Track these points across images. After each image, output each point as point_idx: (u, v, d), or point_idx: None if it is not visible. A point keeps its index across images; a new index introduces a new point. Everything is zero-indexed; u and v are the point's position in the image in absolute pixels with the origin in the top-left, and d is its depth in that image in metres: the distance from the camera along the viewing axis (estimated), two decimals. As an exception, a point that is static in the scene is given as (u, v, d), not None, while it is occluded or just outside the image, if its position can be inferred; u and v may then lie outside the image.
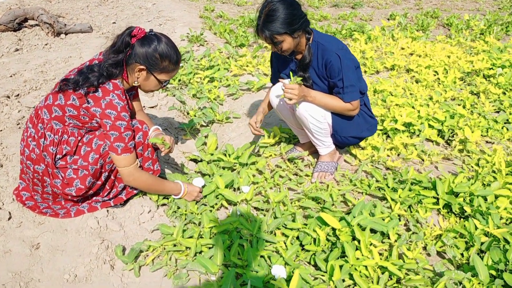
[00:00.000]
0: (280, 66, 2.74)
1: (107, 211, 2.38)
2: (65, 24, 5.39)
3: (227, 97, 3.98)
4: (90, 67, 2.21)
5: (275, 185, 2.74)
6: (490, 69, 4.58)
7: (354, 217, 2.18)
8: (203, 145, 3.21)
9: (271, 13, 2.30)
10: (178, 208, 2.45)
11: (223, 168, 2.90)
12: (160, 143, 2.35)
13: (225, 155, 3.06)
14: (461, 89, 4.28)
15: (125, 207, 2.44)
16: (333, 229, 2.18)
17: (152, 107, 3.66)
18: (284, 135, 3.15)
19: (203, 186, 2.57)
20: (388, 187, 2.53)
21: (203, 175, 2.84)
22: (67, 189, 2.27)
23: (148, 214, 2.39)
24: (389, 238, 2.15)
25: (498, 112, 3.79)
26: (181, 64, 2.34)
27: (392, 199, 2.44)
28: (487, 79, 4.47)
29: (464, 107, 3.80)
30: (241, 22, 6.16)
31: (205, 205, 2.52)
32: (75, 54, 4.68)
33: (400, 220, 2.34)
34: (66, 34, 5.34)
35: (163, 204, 2.49)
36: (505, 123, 3.53)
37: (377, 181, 2.66)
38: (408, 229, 2.31)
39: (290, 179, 2.79)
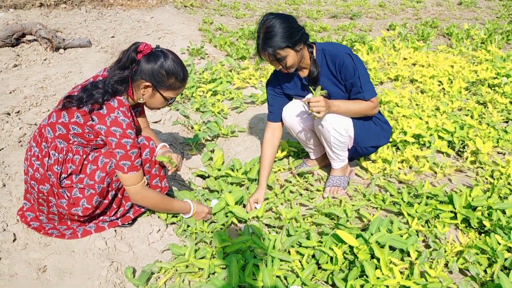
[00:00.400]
0: (287, 88, 2.68)
1: (115, 231, 2.30)
2: (64, 39, 5.33)
3: (231, 110, 3.92)
4: (94, 84, 2.15)
5: (285, 201, 2.67)
6: (494, 78, 4.55)
7: (371, 234, 2.11)
8: (209, 160, 3.14)
9: (269, 29, 2.28)
10: (188, 226, 2.38)
11: (231, 183, 2.83)
12: (167, 162, 2.28)
13: (233, 170, 3.00)
14: (467, 99, 4.24)
15: (133, 227, 2.36)
16: (350, 247, 2.10)
17: (156, 122, 3.59)
18: (293, 149, 3.08)
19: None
20: (404, 202, 2.46)
21: (211, 191, 2.76)
22: (74, 209, 2.19)
23: (158, 233, 2.31)
24: (409, 255, 2.08)
25: (506, 122, 3.74)
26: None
27: (409, 214, 2.37)
28: (492, 88, 4.43)
29: (472, 117, 3.75)
30: (240, 35, 6.12)
31: (215, 222, 2.45)
32: (75, 69, 4.62)
33: (418, 236, 2.27)
34: (65, 49, 5.29)
35: (172, 223, 2.41)
36: (514, 133, 3.48)
37: (391, 195, 2.59)
38: (427, 246, 2.24)
39: (301, 194, 2.72)
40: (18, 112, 3.59)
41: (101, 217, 2.32)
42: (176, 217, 2.42)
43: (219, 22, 7.04)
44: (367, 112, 2.51)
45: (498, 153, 3.25)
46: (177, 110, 3.80)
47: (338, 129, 2.51)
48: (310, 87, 2.43)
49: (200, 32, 6.33)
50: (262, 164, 2.67)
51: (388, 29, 6.99)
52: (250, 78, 4.43)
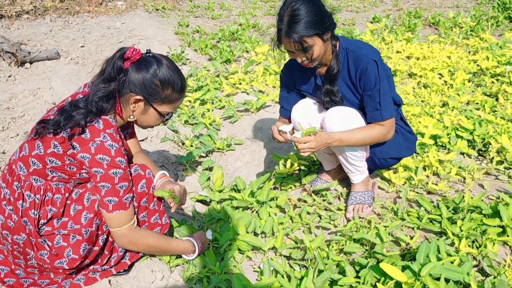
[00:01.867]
0: (300, 83, 2.33)
1: (109, 281, 1.91)
2: (29, 52, 4.85)
3: (223, 120, 3.54)
4: (73, 104, 1.75)
5: (303, 225, 2.31)
6: (496, 67, 4.29)
7: (421, 265, 1.77)
8: (207, 180, 2.76)
9: (296, 12, 1.93)
10: (196, 267, 2.00)
11: (236, 208, 2.46)
12: (168, 196, 1.89)
13: (235, 190, 2.63)
14: (472, 91, 3.96)
15: (130, 274, 1.96)
16: (397, 283, 1.76)
17: (142, 141, 3.18)
18: (303, 162, 2.72)
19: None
20: (445, 219, 2.12)
21: (213, 219, 2.37)
22: (57, 262, 1.80)
23: (161, 281, 1.93)
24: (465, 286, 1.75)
25: (522, 114, 3.47)
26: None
27: (453, 234, 2.04)
28: (496, 78, 4.17)
29: (484, 111, 3.47)
30: (221, 36, 5.74)
31: (221, 252, 2.07)
32: (44, 85, 4.16)
33: (469, 259, 1.94)
34: (31, 63, 4.80)
35: (177, 265, 2.03)
36: (533, 126, 3.21)
37: (427, 211, 2.26)
38: (481, 271, 1.91)
39: (320, 216, 2.37)
40: (-18, 139, 3.14)
41: (91, 267, 1.92)
42: (181, 257, 2.03)
43: (195, 24, 6.64)
44: (378, 139, 2.16)
45: (522, 149, 2.96)
46: (164, 124, 3.40)
47: None
48: (299, 124, 2.15)
49: (177, 36, 5.92)
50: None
51: (372, 22, 6.70)
52: (240, 83, 4.05)
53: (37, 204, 1.77)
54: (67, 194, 1.81)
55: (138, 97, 1.74)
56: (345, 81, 2.18)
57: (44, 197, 1.78)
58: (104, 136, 1.68)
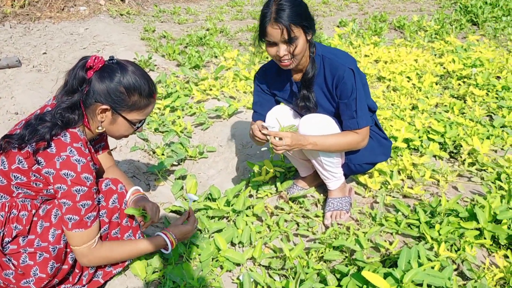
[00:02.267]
0: (274, 88, 2.29)
1: (82, 301, 1.81)
2: (-12, 60, 4.65)
3: (195, 127, 3.46)
4: (40, 117, 1.66)
5: (281, 233, 2.27)
6: (462, 69, 4.37)
7: (403, 271, 1.75)
8: (180, 190, 2.68)
9: (283, 2, 1.91)
10: (174, 282, 1.92)
11: (212, 217, 2.40)
12: (139, 215, 1.82)
13: (209, 199, 2.57)
14: (440, 93, 4.02)
15: (104, 292, 1.87)
16: (380, 290, 1.74)
17: (111, 150, 3.07)
18: (278, 169, 2.67)
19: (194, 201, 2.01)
20: (423, 223, 2.12)
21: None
22: (24, 282, 1.70)
23: (137, 298, 1.84)
24: (449, 292, 1.74)
25: (489, 116, 3.53)
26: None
27: (432, 238, 2.03)
28: (462, 80, 4.24)
29: (453, 113, 3.52)
30: (188, 41, 5.66)
31: (198, 266, 2.00)
32: (5, 94, 3.98)
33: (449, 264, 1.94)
34: (-10, 70, 4.61)
35: (154, 280, 1.94)
36: (501, 127, 3.27)
37: (404, 216, 2.25)
38: (461, 274, 1.91)
39: (297, 224, 2.33)
40: None
41: (62, 286, 1.82)
42: (158, 271, 1.95)
43: (161, 29, 6.53)
44: (352, 146, 2.15)
45: (491, 150, 3.01)
46: (134, 133, 3.30)
47: None
48: (277, 119, 2.07)
49: (143, 42, 5.79)
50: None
51: (338, 26, 6.75)
52: (210, 89, 3.99)
53: (1, 221, 1.68)
54: (33, 211, 1.72)
55: (104, 106, 1.66)
56: (321, 88, 2.15)
57: (9, 214, 1.69)
58: (71, 151, 1.60)
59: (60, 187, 1.58)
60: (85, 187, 1.60)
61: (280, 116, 2.28)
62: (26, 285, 1.70)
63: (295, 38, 1.93)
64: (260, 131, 2.02)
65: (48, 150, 1.59)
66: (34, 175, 1.64)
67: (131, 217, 1.85)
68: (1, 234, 1.68)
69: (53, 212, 1.71)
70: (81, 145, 1.64)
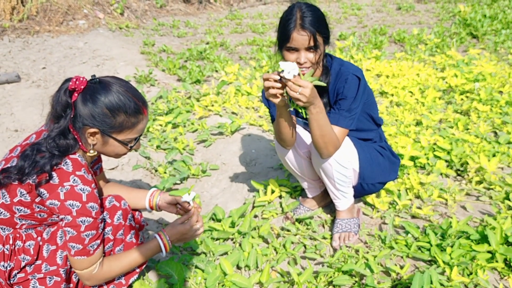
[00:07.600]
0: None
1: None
2: (-13, 75, 4.62)
3: (197, 144, 3.42)
4: (35, 147, 1.59)
5: (288, 256, 2.22)
6: (464, 84, 4.35)
7: (417, 298, 1.70)
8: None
9: (307, 10, 1.91)
10: (179, 310, 1.87)
11: (216, 239, 2.35)
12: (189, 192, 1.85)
13: (213, 219, 2.52)
14: (444, 109, 3.99)
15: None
16: (393, 318, 1.69)
17: (112, 169, 3.03)
18: (284, 189, 2.63)
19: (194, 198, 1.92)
20: (435, 246, 2.07)
21: (194, 253, 2.26)
22: (38, 307, 1.64)
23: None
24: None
25: (494, 132, 3.50)
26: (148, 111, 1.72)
27: (444, 262, 1.98)
28: (465, 94, 4.22)
29: (457, 129, 3.49)
30: (188, 55, 5.64)
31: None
32: (4, 111, 3.94)
33: (462, 289, 1.89)
34: (-11, 86, 4.57)
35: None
36: (507, 143, 3.24)
37: (414, 238, 2.21)
38: (474, 300, 1.86)
39: (305, 246, 2.28)
40: None
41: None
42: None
43: (161, 43, 6.51)
44: (330, 139, 1.98)
45: (498, 168, 2.97)
46: (136, 151, 3.26)
47: (341, 162, 2.10)
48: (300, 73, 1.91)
49: (143, 56, 5.77)
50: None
51: (338, 39, 6.75)
52: (212, 105, 3.95)
53: (7, 255, 1.63)
54: (39, 238, 1.68)
55: (93, 130, 1.60)
56: (328, 100, 2.14)
57: (14, 246, 1.64)
58: (74, 180, 1.55)
59: (65, 217, 1.53)
60: (90, 218, 1.55)
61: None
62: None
63: (318, 47, 1.91)
64: (278, 74, 1.80)
65: (51, 181, 1.53)
66: (38, 207, 1.59)
67: (136, 233, 1.81)
68: (8, 268, 1.63)
69: (58, 234, 1.67)
70: (84, 172, 1.59)
